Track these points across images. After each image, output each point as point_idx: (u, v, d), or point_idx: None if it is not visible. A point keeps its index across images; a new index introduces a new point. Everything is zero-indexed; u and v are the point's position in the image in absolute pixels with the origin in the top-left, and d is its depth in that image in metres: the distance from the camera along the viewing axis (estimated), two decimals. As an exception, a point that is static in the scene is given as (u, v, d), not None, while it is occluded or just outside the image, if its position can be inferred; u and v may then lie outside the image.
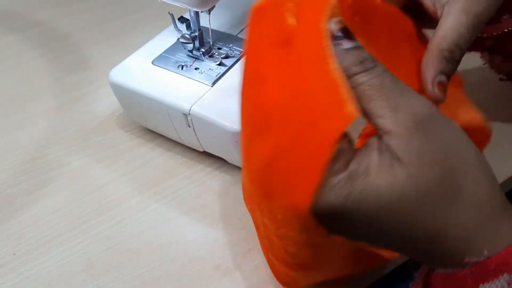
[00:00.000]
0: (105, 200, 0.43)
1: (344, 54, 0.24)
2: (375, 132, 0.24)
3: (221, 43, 0.46)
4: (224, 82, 0.42)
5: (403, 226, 0.22)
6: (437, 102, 0.27)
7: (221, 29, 0.48)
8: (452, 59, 0.28)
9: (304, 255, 0.28)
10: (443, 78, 0.27)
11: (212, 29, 0.45)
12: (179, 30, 0.44)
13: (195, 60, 0.44)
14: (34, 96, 0.53)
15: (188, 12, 0.43)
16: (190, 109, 0.40)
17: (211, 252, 0.38)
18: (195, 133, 0.42)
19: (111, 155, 0.47)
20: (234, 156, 0.42)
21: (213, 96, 0.41)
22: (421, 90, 0.27)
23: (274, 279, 0.36)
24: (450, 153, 0.23)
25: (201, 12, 0.42)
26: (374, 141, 0.23)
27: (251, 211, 0.33)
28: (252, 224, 0.40)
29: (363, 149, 0.23)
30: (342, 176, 0.22)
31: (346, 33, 0.24)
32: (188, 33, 0.43)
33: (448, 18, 0.28)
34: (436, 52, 0.27)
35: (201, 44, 0.44)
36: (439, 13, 0.29)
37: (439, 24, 0.28)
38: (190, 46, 0.44)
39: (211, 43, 0.45)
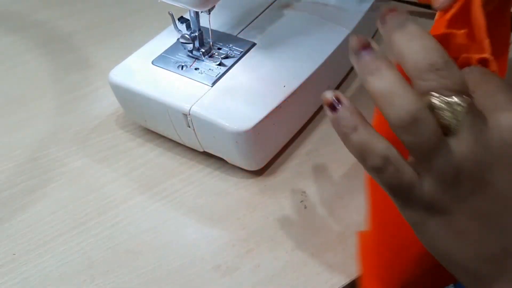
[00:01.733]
0: (105, 200, 0.43)
1: None
2: None
3: (221, 43, 0.46)
4: (224, 82, 0.42)
5: None
6: None
7: (221, 29, 0.48)
8: None
9: None
10: None
11: (212, 29, 0.45)
12: (179, 30, 0.44)
13: (195, 60, 0.44)
14: (34, 96, 0.53)
15: (188, 12, 0.43)
16: (190, 109, 0.40)
17: (211, 252, 0.38)
18: (195, 133, 0.42)
19: (111, 155, 0.47)
20: (234, 156, 0.42)
21: (213, 96, 0.41)
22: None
23: (274, 279, 0.36)
24: None
25: (201, 12, 0.42)
26: None
27: None
28: (252, 224, 0.40)
29: None
30: None
31: None
32: (188, 33, 0.43)
33: None
34: None
35: (201, 44, 0.44)
36: None
37: None
38: (190, 46, 0.44)
39: (211, 43, 0.45)
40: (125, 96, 0.45)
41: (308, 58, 0.44)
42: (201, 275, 0.37)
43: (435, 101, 0.23)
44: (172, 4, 0.40)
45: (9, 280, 0.37)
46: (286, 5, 0.51)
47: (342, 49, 0.47)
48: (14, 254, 0.39)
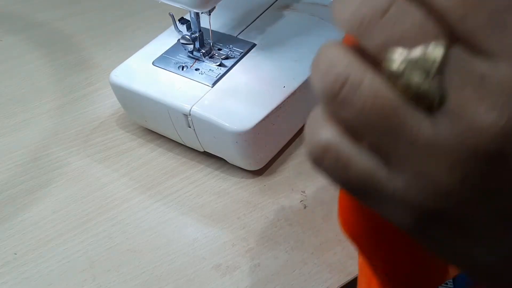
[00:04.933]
0: (106, 200, 0.43)
1: None
2: None
3: (221, 44, 0.46)
4: (224, 83, 0.42)
5: None
6: None
7: (221, 30, 0.48)
8: None
9: None
10: None
11: (212, 30, 0.45)
12: (179, 31, 0.45)
13: (195, 61, 0.45)
14: (35, 97, 0.54)
15: (189, 13, 0.43)
16: (191, 109, 0.40)
17: (211, 252, 0.39)
18: (196, 134, 0.42)
19: (112, 155, 0.47)
20: (234, 156, 0.42)
21: (213, 97, 0.41)
22: None
23: (273, 278, 0.36)
24: None
25: (202, 13, 0.42)
26: None
27: None
28: (252, 224, 0.40)
29: None
30: None
31: None
32: (189, 34, 0.43)
33: None
34: None
35: (202, 45, 0.45)
36: None
37: None
38: (191, 47, 0.44)
39: (211, 44, 0.45)
40: (126, 96, 0.45)
41: (307, 59, 0.45)
42: (201, 274, 0.37)
43: (393, 64, 0.14)
44: (172, 5, 0.40)
45: (10, 279, 0.38)
46: (286, 6, 0.51)
47: (341, 50, 0.47)
48: (15, 254, 0.39)
